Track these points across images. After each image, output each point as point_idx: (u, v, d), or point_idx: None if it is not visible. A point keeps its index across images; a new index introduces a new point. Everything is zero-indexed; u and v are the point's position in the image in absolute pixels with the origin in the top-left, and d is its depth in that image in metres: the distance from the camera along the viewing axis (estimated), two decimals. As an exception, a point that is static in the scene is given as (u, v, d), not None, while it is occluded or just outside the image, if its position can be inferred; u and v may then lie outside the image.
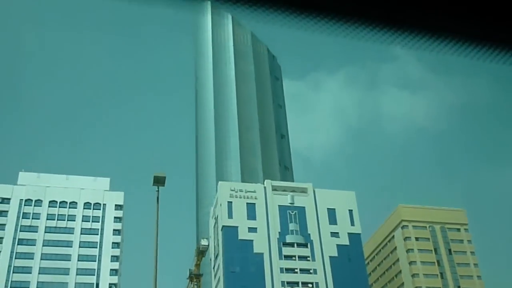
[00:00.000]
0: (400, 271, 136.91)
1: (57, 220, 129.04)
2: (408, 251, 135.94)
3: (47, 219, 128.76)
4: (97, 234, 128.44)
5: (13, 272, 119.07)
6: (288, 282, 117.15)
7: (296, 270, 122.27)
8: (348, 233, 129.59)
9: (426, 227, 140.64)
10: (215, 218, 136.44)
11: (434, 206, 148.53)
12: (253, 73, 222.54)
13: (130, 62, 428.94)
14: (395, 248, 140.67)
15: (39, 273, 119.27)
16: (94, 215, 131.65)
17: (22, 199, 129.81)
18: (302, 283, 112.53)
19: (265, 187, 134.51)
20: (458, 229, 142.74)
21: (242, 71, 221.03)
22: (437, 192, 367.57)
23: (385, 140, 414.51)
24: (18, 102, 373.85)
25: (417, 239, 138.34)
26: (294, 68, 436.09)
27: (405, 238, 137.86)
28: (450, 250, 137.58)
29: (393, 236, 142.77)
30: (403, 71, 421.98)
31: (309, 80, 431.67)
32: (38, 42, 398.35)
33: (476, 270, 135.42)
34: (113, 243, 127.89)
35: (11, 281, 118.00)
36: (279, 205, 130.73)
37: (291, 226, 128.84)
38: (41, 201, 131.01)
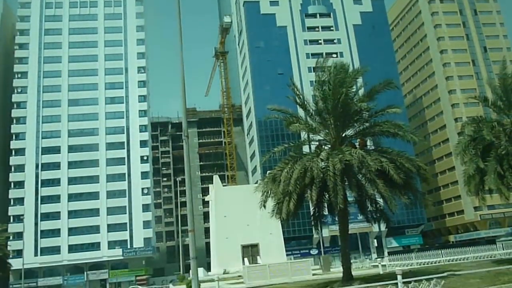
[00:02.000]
0: (426, 35, 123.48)
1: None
2: (433, 14, 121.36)
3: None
4: (120, 18, 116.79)
5: (44, 49, 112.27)
6: (312, 54, 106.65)
7: (320, 41, 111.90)
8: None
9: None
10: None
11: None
12: None
13: None
14: (420, 12, 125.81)
15: (68, 58, 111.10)
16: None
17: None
18: (326, 53, 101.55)
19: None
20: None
21: None
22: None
23: None
24: None
25: (441, 1, 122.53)
26: None
27: (430, 1, 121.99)
28: (475, 11, 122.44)
29: (417, 0, 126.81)
30: None
31: None
32: None
33: (503, 30, 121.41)
34: (137, 26, 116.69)
35: (43, 57, 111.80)
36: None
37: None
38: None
